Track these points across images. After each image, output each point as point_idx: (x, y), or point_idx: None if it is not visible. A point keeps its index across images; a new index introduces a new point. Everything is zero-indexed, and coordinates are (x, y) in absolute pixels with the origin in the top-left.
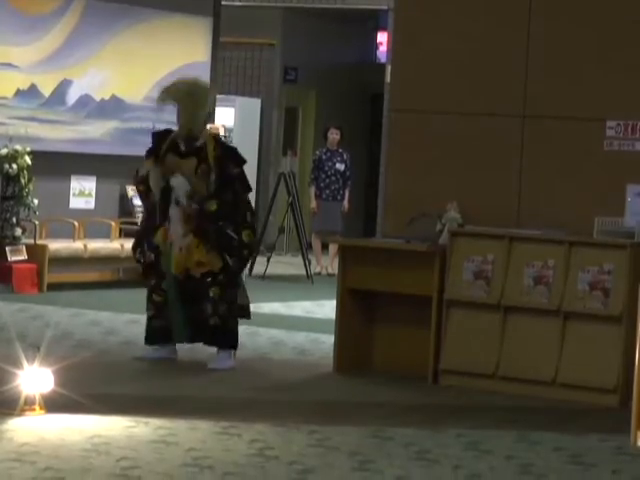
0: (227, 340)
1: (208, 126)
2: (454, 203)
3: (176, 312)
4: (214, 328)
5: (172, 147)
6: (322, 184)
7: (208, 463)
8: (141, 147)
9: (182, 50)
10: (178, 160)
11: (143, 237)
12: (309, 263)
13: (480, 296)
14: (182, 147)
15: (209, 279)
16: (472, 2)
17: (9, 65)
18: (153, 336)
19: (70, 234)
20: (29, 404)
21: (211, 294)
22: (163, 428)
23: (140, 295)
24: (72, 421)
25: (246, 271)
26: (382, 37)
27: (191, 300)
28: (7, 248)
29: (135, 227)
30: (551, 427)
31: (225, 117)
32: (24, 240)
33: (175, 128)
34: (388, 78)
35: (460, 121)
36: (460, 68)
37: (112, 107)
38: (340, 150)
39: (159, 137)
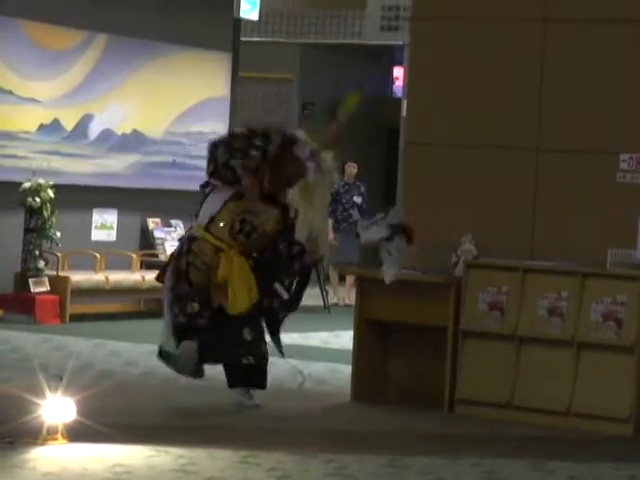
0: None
1: None
2: (469, 235)
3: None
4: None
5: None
6: (340, 216)
7: None
8: (162, 180)
9: (202, 85)
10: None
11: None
12: (326, 294)
13: (495, 327)
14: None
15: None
16: (485, 37)
17: (32, 100)
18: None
19: (92, 266)
20: (52, 433)
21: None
22: (183, 457)
23: (161, 326)
24: (94, 450)
25: None
26: (398, 72)
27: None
28: (30, 280)
29: (156, 259)
30: (566, 456)
31: None
32: (47, 272)
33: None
34: (404, 112)
35: (474, 154)
36: (474, 101)
37: (133, 141)
38: (357, 183)
39: None
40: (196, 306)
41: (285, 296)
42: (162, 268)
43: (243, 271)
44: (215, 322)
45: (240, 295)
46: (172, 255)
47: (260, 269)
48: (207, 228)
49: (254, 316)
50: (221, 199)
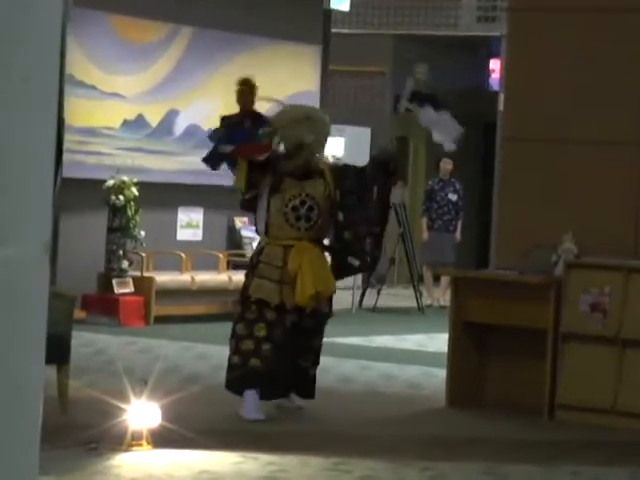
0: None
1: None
2: (570, 234)
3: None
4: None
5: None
6: (434, 215)
7: None
8: None
9: (291, 79)
10: (299, 183)
11: None
12: (420, 295)
13: (597, 329)
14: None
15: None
16: (587, 27)
17: (116, 95)
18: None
19: (177, 266)
20: (136, 439)
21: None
22: (273, 464)
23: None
24: (180, 456)
25: (356, 303)
26: (495, 64)
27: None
28: (114, 280)
29: (243, 259)
30: None
31: (335, 146)
32: (131, 272)
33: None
34: (501, 106)
35: (575, 150)
36: (575, 95)
37: None
38: (453, 180)
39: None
40: (250, 344)
41: (357, 263)
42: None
43: (312, 261)
44: (280, 342)
45: (305, 285)
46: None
47: (332, 250)
48: (269, 234)
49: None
50: (264, 200)
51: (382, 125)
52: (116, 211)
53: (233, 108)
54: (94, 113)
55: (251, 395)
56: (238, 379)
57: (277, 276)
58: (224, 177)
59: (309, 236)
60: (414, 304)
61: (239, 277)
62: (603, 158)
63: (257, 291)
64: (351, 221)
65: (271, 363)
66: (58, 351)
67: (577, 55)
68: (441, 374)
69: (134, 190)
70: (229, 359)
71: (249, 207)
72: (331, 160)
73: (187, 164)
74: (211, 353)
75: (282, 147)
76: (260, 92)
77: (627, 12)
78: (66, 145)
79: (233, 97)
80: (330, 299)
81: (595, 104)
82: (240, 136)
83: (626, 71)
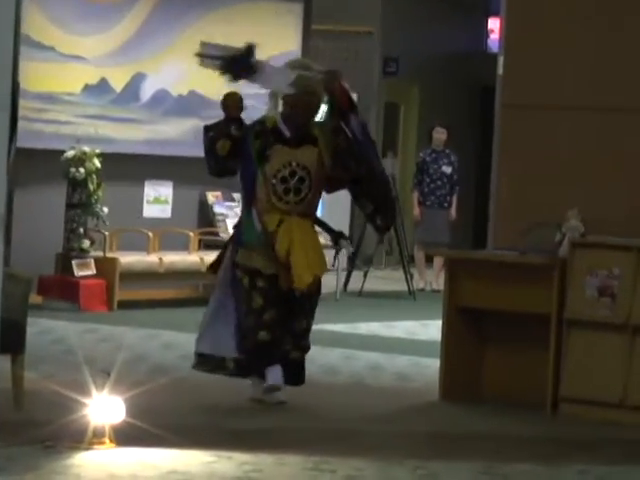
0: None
1: None
2: (575, 210)
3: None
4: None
5: (275, 137)
6: (426, 189)
7: None
8: None
9: (269, 39)
10: (290, 150)
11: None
12: (411, 278)
13: (605, 315)
14: (288, 134)
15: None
16: None
17: (77, 57)
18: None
19: (144, 246)
20: (98, 436)
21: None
22: (248, 463)
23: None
24: (146, 455)
25: (341, 287)
26: (493, 24)
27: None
28: (74, 262)
29: (216, 238)
30: None
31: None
32: (92, 253)
33: None
34: (500, 70)
35: (582, 118)
36: (584, 57)
37: (191, 104)
38: (447, 151)
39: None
40: (264, 334)
41: (351, 249)
42: (218, 257)
43: (303, 242)
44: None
45: (300, 266)
46: (226, 245)
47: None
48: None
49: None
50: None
51: (370, 90)
52: (76, 185)
53: (205, 72)
54: (52, 77)
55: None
56: (254, 359)
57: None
58: (195, 147)
59: (298, 211)
60: (404, 288)
61: (211, 258)
62: (613, 127)
63: (247, 260)
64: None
65: (276, 331)
66: (12, 339)
67: (587, 13)
68: (434, 365)
69: (96, 162)
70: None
71: (223, 170)
72: None
73: (155, 133)
74: (180, 342)
75: (279, 109)
76: None
77: None
78: (21, 112)
79: None
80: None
81: (607, 67)
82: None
83: None
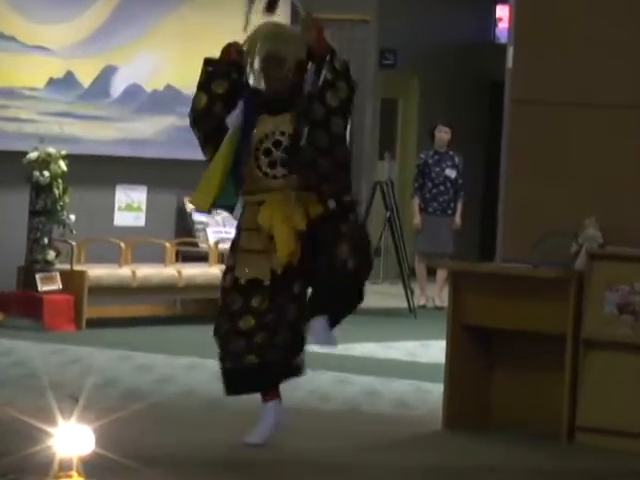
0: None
1: None
2: (593, 218)
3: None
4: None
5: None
6: (428, 195)
7: None
8: None
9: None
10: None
11: None
12: (411, 293)
13: (626, 334)
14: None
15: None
16: None
17: (40, 48)
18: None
19: (115, 258)
20: (65, 469)
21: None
22: None
23: (202, 333)
24: None
25: None
26: (502, 11)
27: None
28: (37, 275)
29: (195, 249)
30: None
31: None
32: (58, 265)
33: None
34: (510, 62)
35: (601, 116)
36: (604, 49)
37: (167, 100)
38: (451, 152)
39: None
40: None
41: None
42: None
43: (287, 218)
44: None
45: (282, 236)
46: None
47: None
48: (244, 189)
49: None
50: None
51: (364, 84)
52: (40, 190)
53: (182, 64)
54: (14, 71)
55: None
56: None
57: (261, 244)
58: (171, 148)
59: (289, 184)
60: (404, 304)
61: (190, 271)
62: (636, 127)
63: (247, 266)
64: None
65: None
66: None
67: (608, 1)
68: (437, 390)
69: (62, 164)
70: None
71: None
72: None
73: (127, 132)
74: (155, 364)
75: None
76: (217, 43)
77: None
78: None
79: (183, 50)
80: None
81: (630, 60)
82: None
83: None
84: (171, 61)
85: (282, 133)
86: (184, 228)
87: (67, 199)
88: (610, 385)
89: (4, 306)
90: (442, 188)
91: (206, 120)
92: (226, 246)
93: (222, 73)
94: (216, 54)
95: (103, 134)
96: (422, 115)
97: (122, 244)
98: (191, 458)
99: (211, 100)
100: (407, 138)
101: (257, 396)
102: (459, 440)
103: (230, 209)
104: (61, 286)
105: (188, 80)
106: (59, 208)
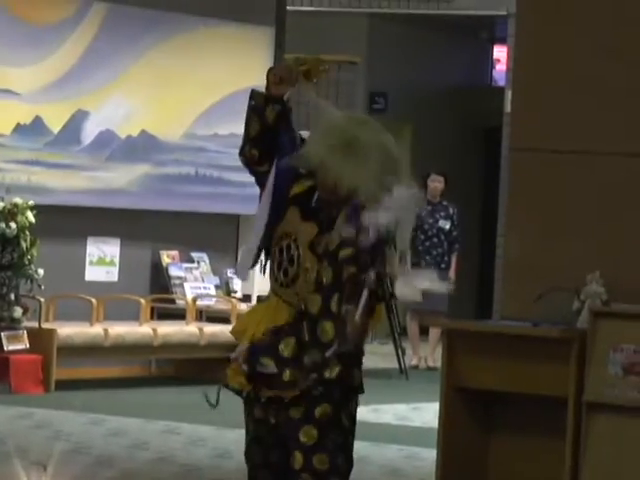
0: None
1: None
2: (596, 273)
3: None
4: None
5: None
6: (420, 247)
7: None
8: (180, 199)
9: (235, 71)
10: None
11: None
12: (403, 353)
13: (632, 397)
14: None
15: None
16: (626, 8)
17: (6, 92)
18: None
19: (86, 315)
20: None
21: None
22: None
23: (178, 396)
24: None
25: None
26: (500, 52)
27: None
28: (3, 334)
29: (172, 306)
30: None
31: None
32: (25, 323)
33: None
34: (508, 107)
35: (606, 165)
36: (607, 94)
37: (142, 147)
38: (444, 203)
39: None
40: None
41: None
42: None
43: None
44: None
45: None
46: None
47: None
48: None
49: None
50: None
51: None
52: (6, 243)
53: (158, 109)
54: None
55: None
56: None
57: None
58: (146, 198)
59: (286, 295)
60: (394, 365)
61: (166, 330)
62: None
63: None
64: None
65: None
66: None
67: (611, 43)
68: (430, 456)
69: (30, 216)
70: None
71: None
72: None
73: (99, 182)
74: (128, 429)
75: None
76: (195, 87)
77: None
78: None
79: (159, 95)
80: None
81: (630, 105)
82: None
83: None
84: (147, 106)
85: (295, 240)
86: (160, 283)
87: (35, 252)
88: (615, 452)
89: None
90: (435, 240)
91: (253, 160)
92: (204, 302)
93: (257, 110)
94: (195, 99)
95: (73, 183)
96: (414, 163)
97: (94, 300)
98: None
99: (247, 143)
100: None
101: (236, 463)
102: None
103: None
104: (28, 345)
105: (164, 126)
106: (26, 262)
